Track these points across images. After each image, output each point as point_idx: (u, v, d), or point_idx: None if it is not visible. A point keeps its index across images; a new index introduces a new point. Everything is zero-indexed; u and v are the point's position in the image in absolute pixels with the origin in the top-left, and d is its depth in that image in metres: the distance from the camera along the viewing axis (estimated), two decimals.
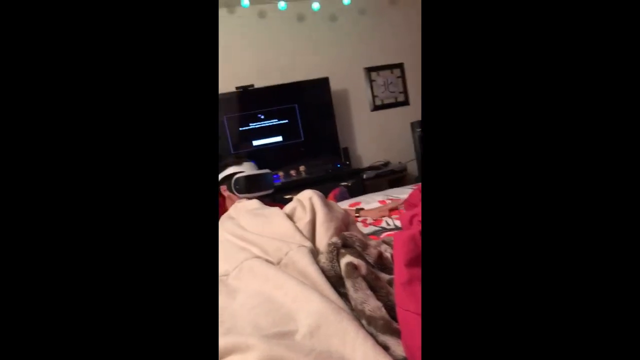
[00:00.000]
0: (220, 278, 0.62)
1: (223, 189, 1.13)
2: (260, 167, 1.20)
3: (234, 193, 1.10)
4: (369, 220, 1.07)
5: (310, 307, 0.47)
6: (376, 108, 2.71)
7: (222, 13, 2.38)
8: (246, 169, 1.11)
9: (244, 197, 1.08)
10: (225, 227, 0.78)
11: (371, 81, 2.69)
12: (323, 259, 0.57)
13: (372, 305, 0.47)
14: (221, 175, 1.12)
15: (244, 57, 2.43)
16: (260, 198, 1.07)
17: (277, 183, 2.02)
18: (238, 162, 1.13)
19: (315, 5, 2.40)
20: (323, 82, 2.39)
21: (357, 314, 0.47)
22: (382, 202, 1.34)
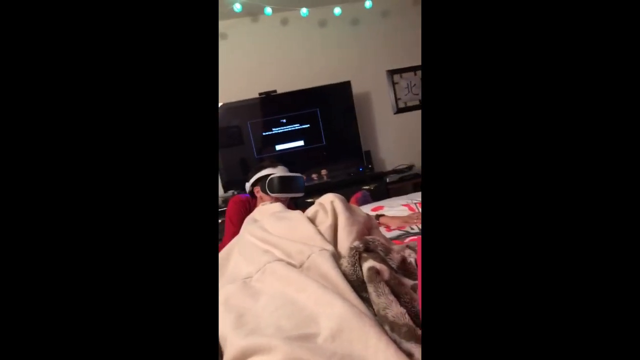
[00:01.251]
0: (244, 280, 0.64)
1: (257, 190, 1.18)
2: (274, 160, 1.25)
3: (267, 193, 1.13)
4: (393, 227, 1.05)
5: (333, 310, 0.47)
6: (399, 111, 2.68)
7: (246, 22, 2.45)
8: (279, 171, 1.15)
9: (276, 197, 1.11)
10: (249, 230, 0.79)
11: (394, 84, 2.66)
12: (345, 263, 0.57)
13: (395, 311, 0.46)
14: (256, 176, 1.17)
15: (267, 64, 2.48)
16: (282, 201, 1.10)
17: None
18: (273, 165, 1.17)
19: (337, 10, 2.42)
20: (345, 86, 2.40)
21: (380, 320, 0.46)
22: (405, 205, 1.31)
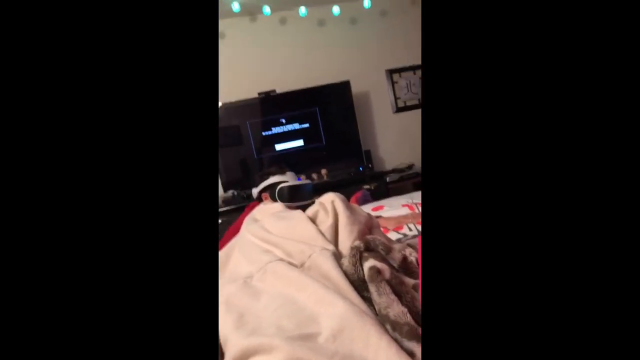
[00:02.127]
0: (244, 280, 0.64)
1: (265, 196, 1.18)
2: (282, 167, 1.25)
3: (276, 201, 1.13)
4: (390, 227, 1.05)
5: (334, 310, 0.46)
6: (399, 110, 2.68)
7: (244, 21, 2.45)
8: (289, 178, 1.16)
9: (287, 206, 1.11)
10: (250, 230, 0.79)
11: (393, 83, 2.66)
12: (346, 262, 0.57)
13: (396, 310, 0.46)
14: (265, 184, 1.17)
15: (266, 64, 2.48)
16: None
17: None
18: (281, 172, 1.17)
19: (336, 10, 2.42)
20: (344, 86, 2.40)
21: (382, 319, 0.46)
22: (405, 205, 1.31)
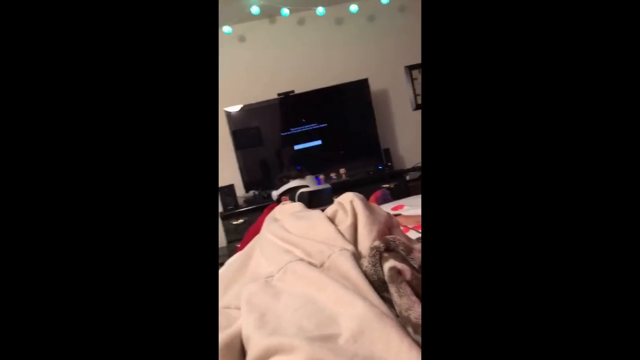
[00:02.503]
0: (265, 280, 0.65)
1: (284, 199, 1.20)
2: (302, 171, 1.26)
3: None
4: (410, 225, 1.04)
5: (354, 311, 0.46)
6: (418, 107, 2.62)
7: (264, 24, 2.48)
8: (309, 182, 1.18)
9: None
10: (270, 229, 0.80)
11: (412, 79, 2.61)
12: (366, 262, 0.56)
13: (418, 312, 0.45)
14: (285, 187, 1.19)
15: (285, 65, 2.50)
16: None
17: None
18: (301, 176, 1.19)
19: (353, 8, 2.40)
20: (362, 84, 2.38)
21: (403, 321, 0.45)
22: None
